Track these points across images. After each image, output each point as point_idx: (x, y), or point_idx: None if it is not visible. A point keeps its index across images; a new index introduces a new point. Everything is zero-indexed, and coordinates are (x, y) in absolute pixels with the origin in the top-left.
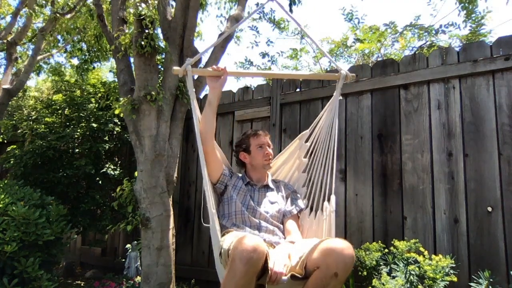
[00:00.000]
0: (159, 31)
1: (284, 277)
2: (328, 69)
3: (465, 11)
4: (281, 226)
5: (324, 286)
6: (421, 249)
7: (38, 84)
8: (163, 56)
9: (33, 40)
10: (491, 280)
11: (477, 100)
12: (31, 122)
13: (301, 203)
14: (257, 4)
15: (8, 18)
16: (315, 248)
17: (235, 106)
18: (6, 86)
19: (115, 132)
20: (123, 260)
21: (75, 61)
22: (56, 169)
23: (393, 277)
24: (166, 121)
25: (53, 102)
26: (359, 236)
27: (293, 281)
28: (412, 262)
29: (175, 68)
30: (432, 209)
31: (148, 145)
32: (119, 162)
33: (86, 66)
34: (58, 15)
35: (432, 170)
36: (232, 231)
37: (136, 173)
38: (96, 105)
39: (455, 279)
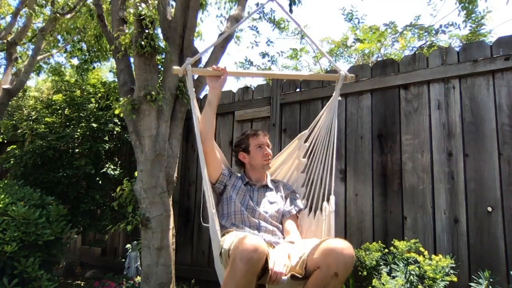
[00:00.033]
0: (159, 31)
1: (284, 277)
2: (328, 69)
3: (465, 11)
4: (280, 226)
5: (325, 286)
6: (421, 249)
7: (38, 84)
8: (163, 56)
9: (33, 40)
10: (491, 280)
11: (477, 100)
12: (31, 122)
13: (300, 203)
14: (257, 4)
15: (8, 18)
16: (315, 248)
17: (235, 106)
18: (6, 86)
19: (115, 132)
20: (123, 260)
21: (75, 61)
22: (56, 169)
23: (393, 277)
24: (166, 121)
25: (53, 102)
26: (359, 236)
27: (293, 281)
28: (412, 262)
29: (175, 67)
30: (432, 209)
31: (148, 145)
32: (119, 162)
33: (86, 66)
34: (58, 15)
35: (432, 170)
36: (232, 231)
37: (136, 173)
38: (96, 105)
39: (455, 279)
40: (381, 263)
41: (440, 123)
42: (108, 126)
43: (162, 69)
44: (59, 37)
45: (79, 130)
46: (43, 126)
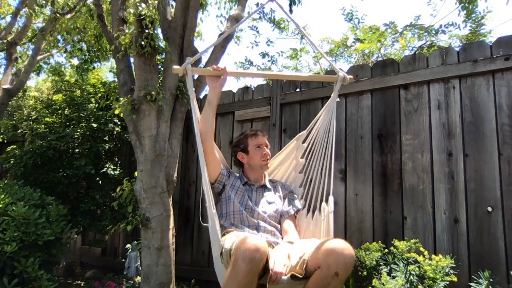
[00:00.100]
0: (159, 31)
1: (284, 277)
2: (328, 69)
3: (465, 11)
4: (279, 226)
5: (325, 286)
6: (421, 249)
7: (38, 84)
8: (163, 56)
9: (33, 40)
10: (491, 280)
11: (477, 100)
12: (31, 122)
13: (298, 203)
14: (257, 4)
15: (8, 18)
16: (316, 249)
17: (235, 106)
18: (6, 86)
19: (115, 132)
20: (123, 260)
21: (75, 61)
22: (56, 169)
23: (393, 277)
24: (166, 121)
25: (53, 102)
26: (359, 236)
27: (293, 281)
28: (412, 262)
29: (175, 67)
30: (432, 209)
31: (148, 145)
32: (119, 162)
33: (86, 66)
34: (58, 15)
35: (432, 170)
36: (232, 231)
37: (136, 173)
38: (96, 105)
39: (455, 279)
40: (381, 263)
41: (440, 123)
42: (108, 126)
43: (162, 69)
44: (59, 37)
45: (79, 130)
46: (43, 126)
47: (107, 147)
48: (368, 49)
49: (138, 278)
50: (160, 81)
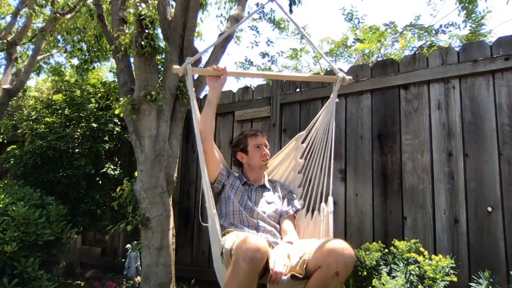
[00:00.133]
0: (159, 31)
1: (284, 277)
2: (328, 69)
3: (465, 11)
4: (278, 226)
5: (325, 286)
6: (421, 249)
7: (38, 84)
8: (163, 56)
9: (33, 40)
10: (491, 280)
11: (477, 100)
12: (31, 122)
13: (297, 203)
14: (257, 4)
15: (8, 18)
16: (316, 249)
17: (235, 106)
18: (6, 86)
19: (115, 132)
20: (123, 260)
21: (75, 61)
22: (56, 169)
23: (393, 277)
24: (166, 121)
25: (53, 102)
26: (359, 236)
27: (293, 281)
28: (412, 262)
29: (175, 66)
30: (432, 209)
31: (148, 145)
32: (119, 162)
33: (86, 66)
34: (58, 15)
35: (432, 170)
36: (232, 231)
37: (136, 173)
38: (96, 105)
39: (455, 279)
40: (381, 263)
41: (440, 123)
42: (108, 126)
43: (162, 69)
44: (59, 37)
45: (79, 130)
46: (43, 126)
47: (107, 147)
48: (368, 49)
49: (138, 278)
50: (160, 81)
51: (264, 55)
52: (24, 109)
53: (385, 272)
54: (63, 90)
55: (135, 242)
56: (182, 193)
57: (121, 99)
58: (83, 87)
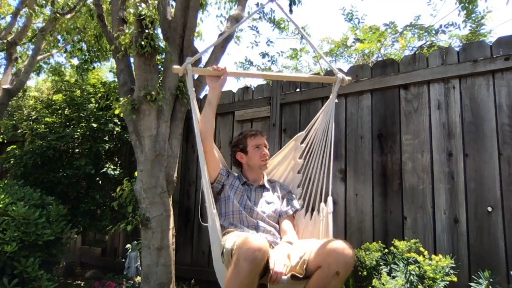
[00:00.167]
0: (159, 31)
1: (284, 277)
2: (328, 69)
3: (465, 11)
4: (277, 226)
5: (326, 285)
6: (421, 249)
7: (38, 84)
8: (163, 56)
9: (33, 40)
10: (491, 280)
11: (477, 100)
12: (31, 122)
13: (297, 203)
14: (257, 4)
15: (8, 18)
16: (316, 249)
17: (235, 106)
18: (6, 86)
19: (115, 132)
20: (123, 260)
21: (75, 61)
22: (56, 169)
23: (393, 277)
24: (166, 121)
25: (53, 102)
26: (359, 236)
27: (293, 281)
28: (412, 262)
29: (176, 66)
30: (432, 209)
31: (148, 145)
32: (119, 162)
33: (86, 66)
34: (58, 15)
35: (432, 170)
36: (232, 231)
37: (136, 173)
38: (96, 105)
39: (455, 279)
40: (381, 263)
41: (440, 123)
42: (108, 126)
43: (162, 69)
44: (59, 37)
45: (79, 130)
46: (43, 126)
47: (107, 147)
48: (368, 49)
49: (138, 278)
50: (160, 81)
51: (264, 55)
52: (24, 109)
53: (385, 272)
54: (63, 90)
55: (135, 242)
56: (182, 193)
57: (121, 99)
58: (83, 87)
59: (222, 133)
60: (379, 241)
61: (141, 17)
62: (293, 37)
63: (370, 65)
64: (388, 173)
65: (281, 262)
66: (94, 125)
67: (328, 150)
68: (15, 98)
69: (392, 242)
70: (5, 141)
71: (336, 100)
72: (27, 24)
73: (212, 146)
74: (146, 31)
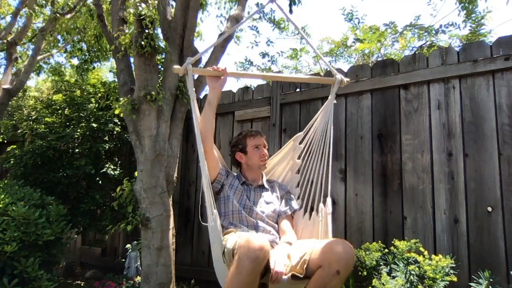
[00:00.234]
0: (159, 31)
1: (285, 277)
2: (328, 69)
3: (465, 11)
4: (276, 226)
5: (326, 284)
6: (421, 249)
7: (38, 84)
8: (163, 56)
9: (33, 40)
10: (491, 280)
11: (477, 100)
12: (31, 122)
13: (295, 204)
14: (257, 4)
15: (8, 18)
16: (317, 249)
17: (235, 106)
18: (6, 86)
19: (115, 132)
20: (123, 260)
21: (75, 61)
22: (56, 169)
23: (393, 277)
24: (166, 121)
25: (53, 102)
26: (359, 236)
27: (293, 280)
28: (412, 262)
29: (176, 66)
30: (432, 209)
31: (148, 145)
32: (119, 162)
33: (86, 66)
34: (58, 15)
35: (432, 170)
36: (232, 231)
37: (136, 173)
38: (96, 105)
39: (455, 279)
40: (381, 263)
41: (440, 123)
42: (108, 126)
43: (162, 69)
44: (59, 37)
45: (79, 130)
46: (43, 126)
47: (107, 147)
48: (368, 49)
49: (138, 278)
50: (160, 81)
51: (264, 55)
52: (24, 109)
53: (385, 272)
54: (63, 90)
55: (135, 242)
56: (182, 193)
57: (121, 99)
58: (83, 87)
59: (222, 133)
60: (379, 241)
61: (141, 17)
62: (293, 37)
63: (370, 65)
64: (388, 173)
65: (281, 262)
66: (94, 125)
67: (327, 151)
68: (15, 98)
69: (392, 242)
70: (5, 141)
71: (335, 101)
72: (27, 24)
73: (212, 146)
74: (146, 31)
